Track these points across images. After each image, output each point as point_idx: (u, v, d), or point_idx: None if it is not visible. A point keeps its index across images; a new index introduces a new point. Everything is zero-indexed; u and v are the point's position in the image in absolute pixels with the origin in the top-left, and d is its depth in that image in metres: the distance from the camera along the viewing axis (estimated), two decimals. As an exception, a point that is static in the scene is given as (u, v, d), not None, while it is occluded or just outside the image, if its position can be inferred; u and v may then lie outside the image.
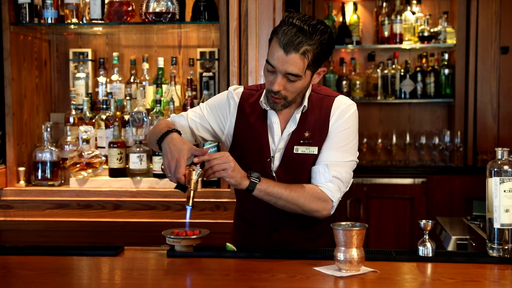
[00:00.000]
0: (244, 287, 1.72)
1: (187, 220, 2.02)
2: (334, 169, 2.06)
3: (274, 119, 2.12)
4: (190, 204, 1.96)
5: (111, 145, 3.04)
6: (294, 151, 2.10)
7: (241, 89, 2.21)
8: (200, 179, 1.98)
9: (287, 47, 1.93)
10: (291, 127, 2.11)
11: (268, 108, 2.11)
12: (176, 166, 1.93)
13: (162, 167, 2.00)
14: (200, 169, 1.96)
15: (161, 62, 3.28)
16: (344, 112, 2.11)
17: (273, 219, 2.17)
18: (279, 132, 2.12)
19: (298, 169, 2.11)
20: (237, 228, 2.32)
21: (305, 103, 2.10)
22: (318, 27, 1.96)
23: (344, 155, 2.09)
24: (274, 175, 2.12)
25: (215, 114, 2.19)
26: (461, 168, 4.57)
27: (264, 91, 2.11)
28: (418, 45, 4.84)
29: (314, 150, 2.10)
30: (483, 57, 4.54)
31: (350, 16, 4.95)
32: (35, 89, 3.30)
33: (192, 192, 1.95)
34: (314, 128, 2.11)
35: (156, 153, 2.98)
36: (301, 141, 2.10)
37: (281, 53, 1.95)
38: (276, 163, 2.13)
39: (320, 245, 2.18)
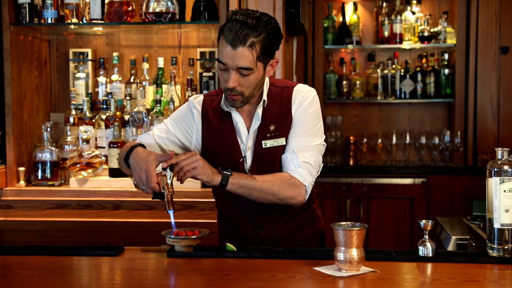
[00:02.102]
0: (244, 287, 1.72)
1: (173, 223, 2.04)
2: (302, 155, 2.09)
3: (238, 119, 2.15)
4: (171, 208, 1.98)
5: (111, 145, 3.04)
6: (263, 146, 2.13)
7: (201, 97, 2.24)
8: (174, 180, 1.99)
9: (233, 42, 1.97)
10: (256, 123, 2.14)
11: (229, 109, 2.14)
12: (147, 176, 1.95)
13: (135, 182, 2.02)
14: (171, 172, 1.97)
15: (161, 62, 3.27)
16: (304, 99, 2.14)
17: (256, 218, 2.19)
18: (245, 131, 2.15)
19: (270, 163, 2.14)
20: (223, 234, 2.32)
21: (264, 97, 2.13)
22: (262, 19, 2.00)
23: (310, 139, 2.12)
24: (249, 174, 2.14)
25: (180, 126, 2.21)
26: (461, 168, 4.57)
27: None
28: (418, 45, 4.84)
29: (282, 141, 2.13)
30: (483, 57, 4.54)
31: (350, 16, 4.95)
32: (35, 89, 3.29)
33: (169, 196, 1.97)
34: (278, 120, 2.14)
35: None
36: (268, 135, 2.13)
37: (229, 49, 1.98)
38: (248, 161, 2.15)
39: (306, 235, 2.23)
